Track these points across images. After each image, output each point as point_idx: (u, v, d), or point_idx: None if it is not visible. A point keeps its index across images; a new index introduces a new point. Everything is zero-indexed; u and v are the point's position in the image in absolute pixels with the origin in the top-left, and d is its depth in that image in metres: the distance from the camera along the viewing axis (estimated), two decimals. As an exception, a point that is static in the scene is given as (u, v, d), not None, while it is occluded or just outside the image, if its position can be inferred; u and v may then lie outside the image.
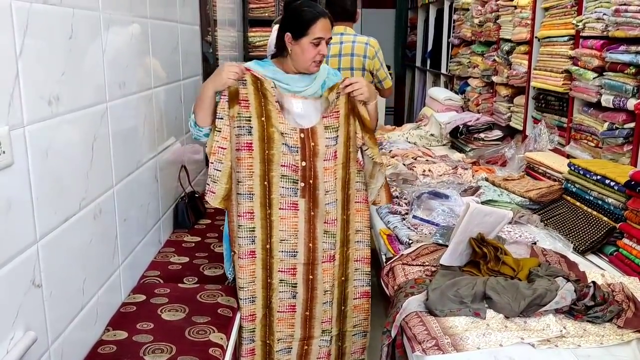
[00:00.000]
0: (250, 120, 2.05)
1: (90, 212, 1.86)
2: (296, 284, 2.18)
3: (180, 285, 2.32)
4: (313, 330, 2.24)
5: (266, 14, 5.84)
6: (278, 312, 2.19)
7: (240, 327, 2.18)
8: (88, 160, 1.84)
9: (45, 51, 1.57)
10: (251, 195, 2.11)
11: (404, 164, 3.45)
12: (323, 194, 2.13)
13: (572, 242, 2.34)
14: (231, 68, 2.00)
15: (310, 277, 2.19)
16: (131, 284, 2.28)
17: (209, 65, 3.93)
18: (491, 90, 4.46)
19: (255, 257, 2.15)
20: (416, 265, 2.12)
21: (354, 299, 2.30)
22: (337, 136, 2.12)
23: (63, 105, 1.65)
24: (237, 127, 2.06)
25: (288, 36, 2.08)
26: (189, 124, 2.14)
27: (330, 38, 2.14)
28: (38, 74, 1.53)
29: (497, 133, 4.12)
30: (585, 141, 2.90)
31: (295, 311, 2.21)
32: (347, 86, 2.09)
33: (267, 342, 2.22)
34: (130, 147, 2.25)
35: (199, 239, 2.81)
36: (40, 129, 1.53)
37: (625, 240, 2.16)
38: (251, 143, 2.06)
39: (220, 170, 2.10)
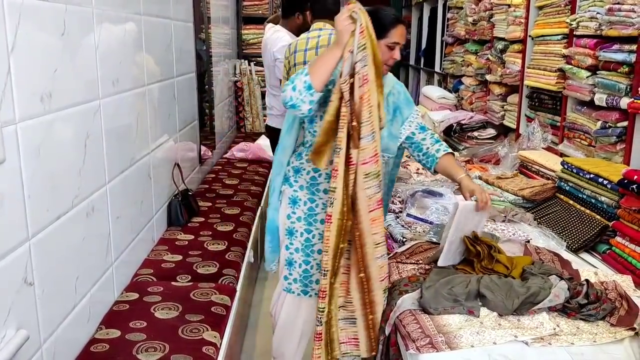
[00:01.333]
0: (365, 49, 1.81)
1: (83, 209, 1.85)
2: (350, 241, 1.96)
3: (173, 283, 2.31)
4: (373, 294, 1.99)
5: (260, 12, 5.83)
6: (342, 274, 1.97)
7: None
8: (81, 158, 1.83)
9: (38, 47, 1.56)
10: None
11: (398, 162, 3.45)
12: None
13: (565, 241, 2.34)
14: (344, 19, 1.80)
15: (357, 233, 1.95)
16: (124, 282, 2.27)
17: (203, 62, 3.92)
18: (485, 89, 4.46)
19: (331, 222, 1.87)
20: (410, 263, 2.12)
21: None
22: None
23: (55, 102, 1.64)
24: (361, 59, 1.80)
25: None
26: (297, 89, 1.85)
27: (403, 44, 2.12)
28: (30, 70, 1.51)
29: (490, 131, 4.13)
30: (579, 140, 2.91)
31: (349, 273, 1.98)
32: None
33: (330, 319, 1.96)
34: (123, 144, 2.23)
35: (192, 237, 2.80)
36: (33, 126, 1.52)
37: (618, 239, 2.17)
38: (367, 75, 1.82)
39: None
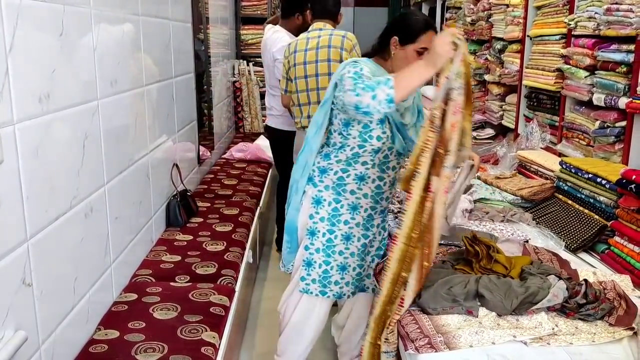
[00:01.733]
0: (460, 77, 1.75)
1: (82, 210, 1.84)
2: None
3: (172, 284, 2.31)
4: None
5: (258, 12, 5.83)
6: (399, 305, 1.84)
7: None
8: (79, 158, 1.83)
9: (36, 48, 1.56)
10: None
11: (397, 162, 3.45)
12: None
13: (564, 240, 2.34)
14: (447, 43, 1.72)
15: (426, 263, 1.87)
16: (123, 283, 2.26)
17: (201, 63, 3.92)
18: (483, 89, 4.46)
19: (396, 244, 1.79)
20: (409, 263, 2.12)
21: None
22: None
23: (54, 102, 1.64)
24: (457, 87, 1.74)
25: (394, 40, 2.03)
26: (377, 99, 1.77)
27: None
28: (28, 70, 1.51)
29: (489, 131, 4.13)
30: (577, 140, 2.92)
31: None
32: None
33: (377, 343, 1.86)
34: (122, 145, 2.23)
35: (191, 237, 2.80)
36: (31, 127, 1.52)
37: (617, 238, 2.17)
38: (459, 104, 1.76)
39: (410, 150, 1.95)
